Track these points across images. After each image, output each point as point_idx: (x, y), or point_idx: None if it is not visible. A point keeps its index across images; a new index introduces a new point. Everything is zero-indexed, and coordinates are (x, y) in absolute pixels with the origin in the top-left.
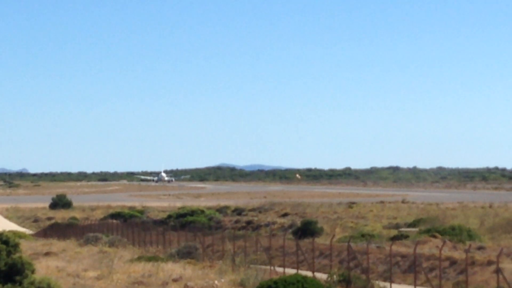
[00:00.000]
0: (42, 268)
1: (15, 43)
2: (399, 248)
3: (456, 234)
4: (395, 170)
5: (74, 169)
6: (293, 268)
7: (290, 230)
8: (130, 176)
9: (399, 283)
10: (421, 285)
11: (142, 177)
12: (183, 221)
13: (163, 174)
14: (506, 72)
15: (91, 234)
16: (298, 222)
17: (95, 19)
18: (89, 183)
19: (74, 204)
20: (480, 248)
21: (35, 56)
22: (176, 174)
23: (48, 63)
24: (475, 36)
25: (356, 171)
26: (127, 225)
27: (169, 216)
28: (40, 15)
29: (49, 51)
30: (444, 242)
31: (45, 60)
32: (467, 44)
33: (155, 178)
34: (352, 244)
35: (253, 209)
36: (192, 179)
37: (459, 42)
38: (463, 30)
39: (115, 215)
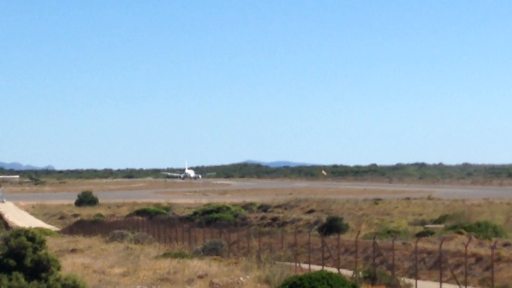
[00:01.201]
0: (68, 265)
1: (41, 41)
2: (424, 244)
3: (482, 230)
4: (421, 166)
5: (99, 166)
6: (318, 264)
7: (316, 227)
8: (155, 173)
9: (425, 280)
10: (447, 281)
11: (168, 174)
12: (208, 217)
13: (189, 171)
14: None
15: (117, 231)
16: (324, 218)
17: (119, 19)
18: (115, 180)
19: (100, 201)
20: (506, 244)
21: (59, 55)
22: (201, 171)
23: (72, 61)
24: (503, 32)
25: (381, 167)
26: (153, 222)
27: (195, 213)
28: (65, 17)
29: (75, 48)
30: (470, 239)
31: (69, 57)
32: (493, 41)
33: (181, 175)
34: (377, 241)
35: (278, 206)
36: (217, 176)
37: (484, 39)
38: (487, 25)
39: (141, 212)
